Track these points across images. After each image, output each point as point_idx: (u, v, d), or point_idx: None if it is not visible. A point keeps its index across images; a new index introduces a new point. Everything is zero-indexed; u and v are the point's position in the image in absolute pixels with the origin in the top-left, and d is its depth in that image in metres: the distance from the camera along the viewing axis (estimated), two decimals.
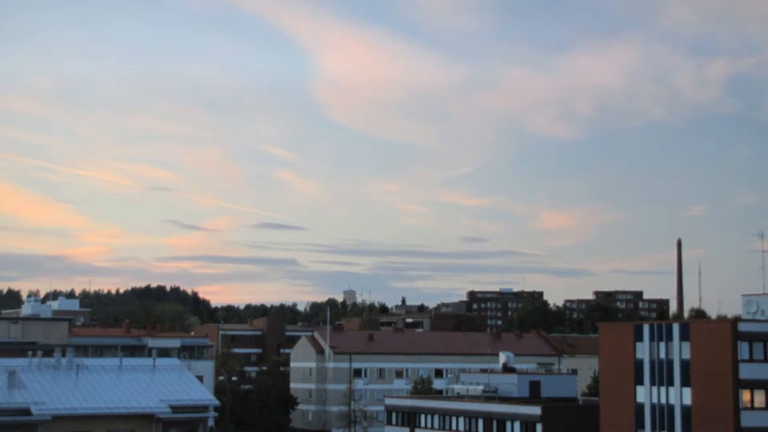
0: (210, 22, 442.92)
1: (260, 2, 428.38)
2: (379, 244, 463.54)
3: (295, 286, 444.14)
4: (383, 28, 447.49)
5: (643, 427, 77.37)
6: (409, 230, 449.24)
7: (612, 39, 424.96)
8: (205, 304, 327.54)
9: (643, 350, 77.75)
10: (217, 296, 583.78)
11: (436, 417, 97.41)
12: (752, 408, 72.00)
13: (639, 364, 78.06)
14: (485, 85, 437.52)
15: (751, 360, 72.48)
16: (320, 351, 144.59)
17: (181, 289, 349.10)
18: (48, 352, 72.88)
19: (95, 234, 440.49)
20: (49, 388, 63.74)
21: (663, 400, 75.89)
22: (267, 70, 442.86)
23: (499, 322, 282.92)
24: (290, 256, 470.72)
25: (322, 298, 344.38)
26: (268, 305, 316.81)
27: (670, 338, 75.92)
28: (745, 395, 72.00)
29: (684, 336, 74.97)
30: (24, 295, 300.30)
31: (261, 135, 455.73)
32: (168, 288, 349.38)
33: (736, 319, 75.91)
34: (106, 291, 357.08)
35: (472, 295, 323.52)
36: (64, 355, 69.22)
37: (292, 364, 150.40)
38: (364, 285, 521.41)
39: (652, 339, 77.20)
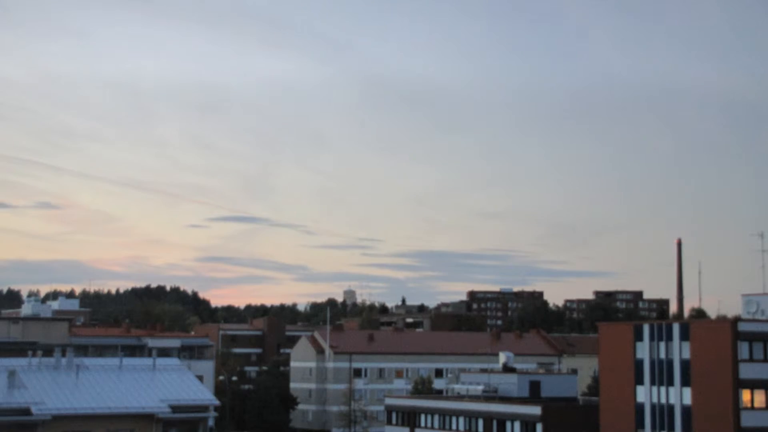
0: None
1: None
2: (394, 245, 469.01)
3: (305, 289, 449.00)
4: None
5: (643, 426, 77.36)
6: (421, 233, 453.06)
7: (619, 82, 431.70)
8: (206, 304, 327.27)
9: (643, 350, 77.75)
10: (225, 299, 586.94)
11: (436, 417, 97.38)
12: (752, 408, 71.98)
13: (639, 364, 78.05)
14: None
15: (751, 360, 72.46)
16: (320, 351, 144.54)
17: (182, 289, 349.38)
18: (48, 352, 72.80)
19: (120, 241, 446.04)
20: (49, 388, 63.74)
21: (663, 400, 75.88)
22: (293, 78, 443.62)
23: (499, 322, 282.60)
24: (301, 261, 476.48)
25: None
26: (269, 305, 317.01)
27: (670, 338, 75.91)
28: (745, 395, 71.97)
29: (684, 336, 74.96)
30: (24, 295, 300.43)
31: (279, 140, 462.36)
32: (168, 288, 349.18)
33: (736, 319, 75.85)
34: (106, 291, 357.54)
35: (472, 295, 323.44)
36: (64, 355, 69.20)
37: (292, 364, 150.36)
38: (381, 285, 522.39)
39: (652, 339, 77.19)
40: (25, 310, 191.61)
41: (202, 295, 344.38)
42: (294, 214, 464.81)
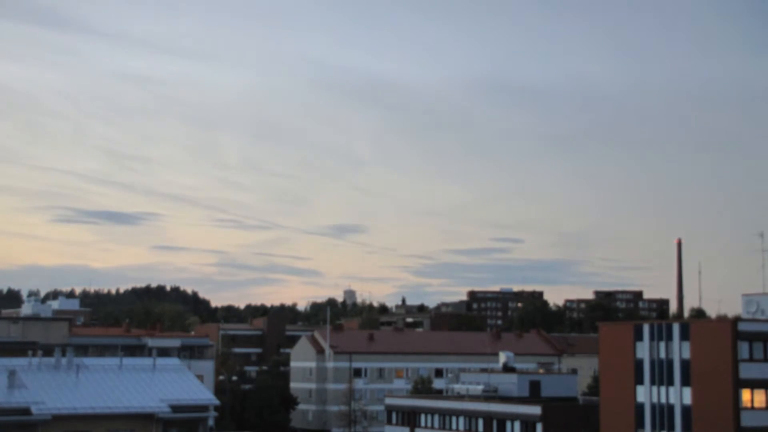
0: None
1: None
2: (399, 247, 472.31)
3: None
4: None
5: (643, 426, 77.39)
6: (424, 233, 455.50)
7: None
8: (205, 303, 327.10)
9: (643, 350, 77.78)
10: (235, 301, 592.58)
11: (436, 417, 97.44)
12: (752, 408, 72.03)
13: (639, 363, 78.08)
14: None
15: (751, 360, 72.51)
16: (320, 351, 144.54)
17: (181, 288, 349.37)
18: (48, 351, 72.70)
19: (146, 247, 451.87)
20: (49, 388, 63.64)
21: (663, 400, 75.90)
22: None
23: (499, 322, 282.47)
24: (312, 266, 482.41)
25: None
26: (269, 305, 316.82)
27: (670, 338, 75.94)
28: (745, 395, 72.02)
29: (684, 336, 75.00)
30: (24, 295, 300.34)
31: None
32: (168, 288, 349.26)
33: (736, 319, 75.89)
34: (106, 291, 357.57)
35: (472, 294, 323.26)
36: (64, 354, 69.08)
37: (292, 364, 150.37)
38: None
39: (652, 339, 77.21)
40: (25, 309, 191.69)
41: (214, 298, 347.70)
42: (319, 224, 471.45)
